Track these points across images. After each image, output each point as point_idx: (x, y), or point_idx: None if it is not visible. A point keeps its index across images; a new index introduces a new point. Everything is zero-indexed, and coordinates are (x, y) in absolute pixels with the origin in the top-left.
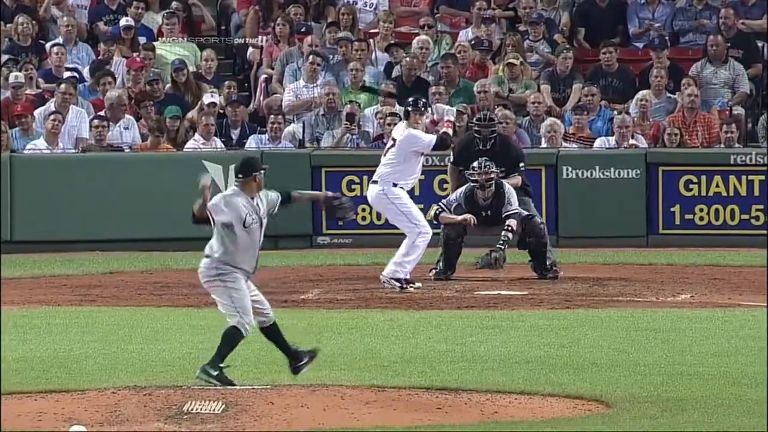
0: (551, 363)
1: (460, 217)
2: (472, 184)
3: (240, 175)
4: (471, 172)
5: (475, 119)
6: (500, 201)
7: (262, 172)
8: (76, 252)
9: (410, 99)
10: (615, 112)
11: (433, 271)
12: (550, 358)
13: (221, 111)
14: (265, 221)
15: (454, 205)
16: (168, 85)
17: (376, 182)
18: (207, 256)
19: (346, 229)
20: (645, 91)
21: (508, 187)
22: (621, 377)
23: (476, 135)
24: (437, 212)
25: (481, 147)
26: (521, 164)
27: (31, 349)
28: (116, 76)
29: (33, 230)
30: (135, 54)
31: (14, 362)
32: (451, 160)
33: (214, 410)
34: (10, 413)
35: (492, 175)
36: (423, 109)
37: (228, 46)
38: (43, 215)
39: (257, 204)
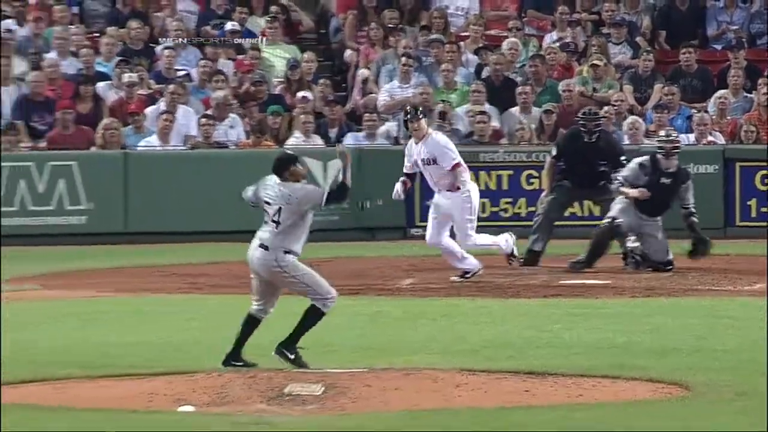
0: (633, 349)
1: (635, 192)
2: (657, 152)
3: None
4: (659, 139)
5: (581, 113)
6: (680, 179)
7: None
8: (184, 242)
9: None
10: (694, 111)
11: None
12: (631, 344)
13: (319, 111)
14: (287, 206)
15: (633, 177)
16: (277, 84)
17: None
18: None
19: None
20: (723, 91)
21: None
22: (699, 363)
23: (582, 129)
24: (618, 184)
25: (585, 140)
26: (622, 158)
27: (142, 334)
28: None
29: (145, 222)
30: (241, 57)
31: (128, 347)
32: (554, 154)
33: (314, 392)
34: (125, 393)
35: (678, 144)
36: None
37: (327, 48)
38: (154, 208)
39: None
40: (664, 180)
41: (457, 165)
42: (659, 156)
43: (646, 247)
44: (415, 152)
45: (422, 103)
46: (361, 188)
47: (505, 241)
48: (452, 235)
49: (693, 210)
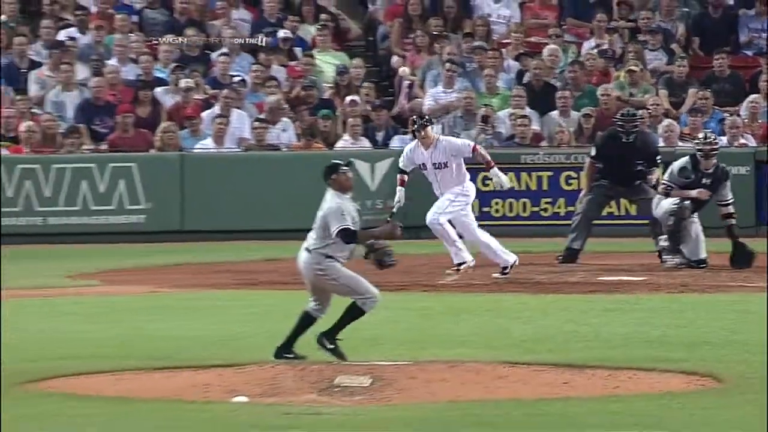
0: (667, 342)
1: (695, 192)
2: (697, 154)
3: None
4: (697, 142)
5: (619, 114)
6: (719, 178)
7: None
8: (238, 241)
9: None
10: (726, 114)
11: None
12: (666, 338)
13: (366, 115)
14: (320, 218)
15: (677, 181)
16: (327, 89)
17: None
18: (308, 250)
19: (481, 220)
20: (754, 95)
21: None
22: (731, 355)
23: (619, 129)
24: (667, 189)
25: (624, 140)
26: (658, 158)
27: (198, 328)
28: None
29: (200, 221)
30: (293, 63)
31: (184, 340)
32: (592, 154)
33: (362, 383)
34: (181, 385)
35: (716, 146)
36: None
37: (374, 54)
38: (209, 208)
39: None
40: (705, 180)
41: (475, 147)
42: (699, 157)
43: (683, 245)
44: (423, 158)
45: (465, 107)
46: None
47: (462, 255)
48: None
49: (732, 210)
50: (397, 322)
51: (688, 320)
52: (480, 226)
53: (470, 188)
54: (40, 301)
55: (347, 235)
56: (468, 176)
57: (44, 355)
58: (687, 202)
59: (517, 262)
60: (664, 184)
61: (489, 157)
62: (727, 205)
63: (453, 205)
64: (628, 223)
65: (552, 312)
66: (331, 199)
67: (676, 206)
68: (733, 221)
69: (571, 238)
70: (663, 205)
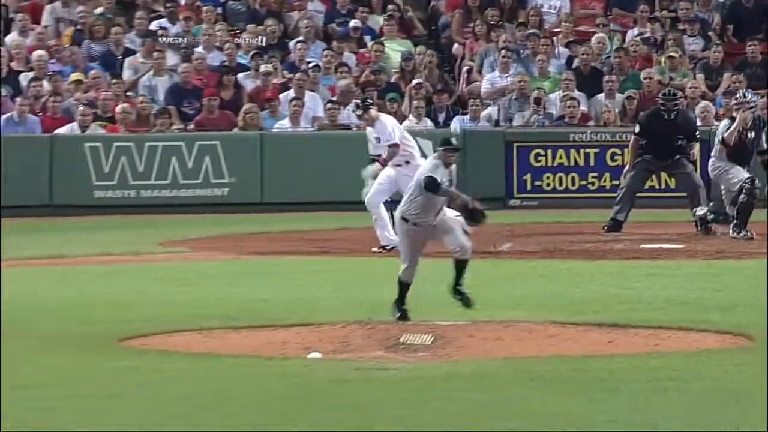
0: (704, 304)
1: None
2: (734, 112)
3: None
4: (737, 100)
5: (661, 94)
6: (759, 128)
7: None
8: (312, 211)
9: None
10: (759, 97)
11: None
12: (702, 300)
13: (429, 97)
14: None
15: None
16: (394, 74)
17: None
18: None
19: (534, 193)
20: None
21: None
22: (762, 317)
23: (662, 108)
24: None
25: (666, 118)
26: (697, 134)
27: (277, 291)
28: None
29: (278, 194)
30: (362, 50)
31: (264, 302)
32: (637, 131)
33: (424, 342)
34: (261, 342)
35: (753, 103)
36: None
37: (436, 42)
38: (287, 181)
39: (449, 172)
40: (749, 135)
41: (395, 146)
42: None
43: (727, 195)
44: (371, 134)
45: (519, 90)
46: (462, 164)
47: (390, 238)
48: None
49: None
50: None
51: (723, 284)
52: (533, 198)
53: (419, 165)
54: (134, 266)
55: (431, 182)
56: (412, 150)
57: (139, 315)
58: (757, 182)
59: (395, 248)
60: (763, 154)
61: (387, 159)
62: (764, 152)
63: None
64: (668, 196)
65: (598, 277)
66: (429, 162)
67: (749, 185)
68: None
69: (616, 209)
70: (734, 179)
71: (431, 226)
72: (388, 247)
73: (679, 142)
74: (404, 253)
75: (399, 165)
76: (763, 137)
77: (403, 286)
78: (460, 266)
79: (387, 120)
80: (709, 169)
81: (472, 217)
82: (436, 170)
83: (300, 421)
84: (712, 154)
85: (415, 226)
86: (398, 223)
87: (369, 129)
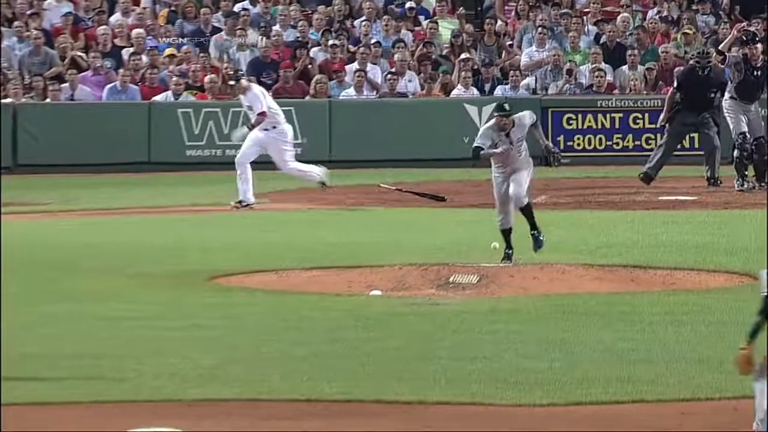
0: (714, 248)
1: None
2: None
3: (494, 113)
4: (746, 33)
5: (696, 53)
6: (766, 69)
7: (500, 115)
8: (373, 168)
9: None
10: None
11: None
12: (713, 245)
13: (476, 69)
14: (518, 145)
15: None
16: (445, 48)
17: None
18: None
19: (566, 152)
20: None
21: None
22: (764, 259)
23: (696, 65)
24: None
25: (700, 74)
26: (727, 85)
27: (343, 237)
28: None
29: (344, 152)
30: (418, 28)
31: (331, 246)
32: (675, 85)
33: (471, 281)
34: (330, 281)
35: (757, 48)
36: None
37: (481, 21)
38: (351, 142)
39: (508, 133)
40: (756, 73)
41: (263, 114)
42: (748, 56)
43: (750, 128)
44: (243, 102)
45: (554, 63)
46: None
47: (318, 172)
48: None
49: None
50: (499, 234)
51: (730, 231)
52: (565, 157)
53: (287, 128)
54: (219, 215)
55: (472, 151)
56: (278, 116)
57: (224, 258)
58: (747, 137)
59: (324, 174)
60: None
61: (255, 125)
62: None
63: (284, 154)
64: (683, 155)
65: (621, 224)
66: (482, 127)
67: (740, 140)
68: None
69: (649, 165)
70: (733, 131)
71: (508, 175)
72: (244, 203)
73: (712, 95)
74: (496, 202)
75: (267, 129)
76: None
77: (504, 233)
78: (523, 213)
79: (257, 90)
80: (723, 107)
81: (552, 157)
82: (484, 136)
83: (363, 348)
84: (727, 90)
85: (497, 174)
86: (492, 171)
87: (242, 97)
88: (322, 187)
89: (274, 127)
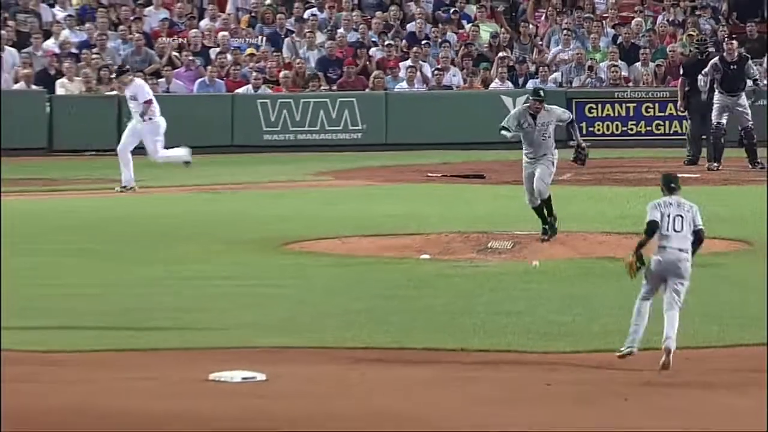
0: (715, 218)
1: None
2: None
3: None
4: (727, 46)
5: (696, 41)
6: (742, 62)
7: (533, 98)
8: (423, 150)
9: None
10: (756, 62)
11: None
12: (714, 215)
13: (511, 66)
14: (542, 128)
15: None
16: (484, 48)
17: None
18: None
19: (587, 136)
20: None
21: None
22: (759, 228)
23: (696, 50)
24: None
25: (700, 58)
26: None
27: (397, 209)
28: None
29: (398, 137)
30: (461, 30)
31: (387, 217)
32: (682, 73)
33: (506, 246)
34: (385, 246)
35: (733, 45)
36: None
37: (516, 24)
38: (405, 127)
39: (535, 116)
40: (732, 67)
41: (149, 102)
42: (724, 55)
43: (738, 119)
44: (127, 94)
45: (577, 60)
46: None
47: (182, 153)
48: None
49: (758, 81)
50: (527, 208)
51: (729, 203)
52: (587, 140)
53: (161, 121)
54: (292, 190)
55: (500, 128)
56: (155, 110)
57: (296, 226)
58: (723, 123)
59: (188, 154)
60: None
61: (150, 115)
62: (756, 80)
63: (156, 143)
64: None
65: (633, 199)
66: (513, 110)
67: (714, 130)
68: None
69: (689, 153)
70: (713, 120)
71: (536, 161)
72: (128, 187)
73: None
74: (524, 184)
75: (144, 120)
76: (752, 70)
77: (535, 210)
78: (543, 203)
79: (140, 82)
80: (714, 100)
81: (578, 155)
82: (512, 116)
83: (413, 303)
84: (714, 86)
85: (526, 159)
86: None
87: (126, 90)
88: (186, 165)
89: (151, 119)
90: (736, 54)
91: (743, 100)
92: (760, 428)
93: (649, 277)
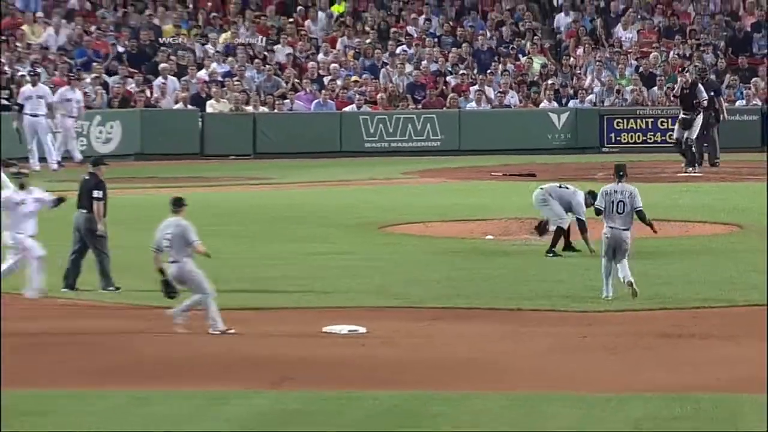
0: (714, 208)
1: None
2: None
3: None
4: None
5: (697, 71)
6: (693, 85)
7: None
8: (487, 154)
9: None
10: (747, 87)
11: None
12: (713, 205)
13: (557, 89)
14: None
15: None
16: (534, 76)
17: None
18: None
19: (615, 144)
20: (756, 78)
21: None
22: (750, 216)
23: (698, 77)
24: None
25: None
26: (722, 89)
27: (466, 200)
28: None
29: (469, 144)
30: (517, 62)
31: (458, 206)
32: (676, 94)
33: (551, 229)
34: (457, 230)
35: (705, 73)
36: None
37: (560, 57)
38: (474, 136)
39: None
40: (685, 90)
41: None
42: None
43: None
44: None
45: (608, 85)
46: (574, 125)
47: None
48: None
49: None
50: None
51: (725, 195)
52: (615, 147)
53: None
54: (386, 186)
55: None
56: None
57: (390, 213)
58: (693, 137)
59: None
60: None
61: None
62: (700, 102)
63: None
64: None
65: (652, 193)
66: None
67: (684, 141)
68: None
69: (707, 155)
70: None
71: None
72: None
73: (710, 96)
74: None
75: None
76: (701, 92)
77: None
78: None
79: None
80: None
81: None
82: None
83: (480, 273)
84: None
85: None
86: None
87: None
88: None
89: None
90: (689, 81)
91: (698, 116)
92: (754, 371)
93: (603, 250)
